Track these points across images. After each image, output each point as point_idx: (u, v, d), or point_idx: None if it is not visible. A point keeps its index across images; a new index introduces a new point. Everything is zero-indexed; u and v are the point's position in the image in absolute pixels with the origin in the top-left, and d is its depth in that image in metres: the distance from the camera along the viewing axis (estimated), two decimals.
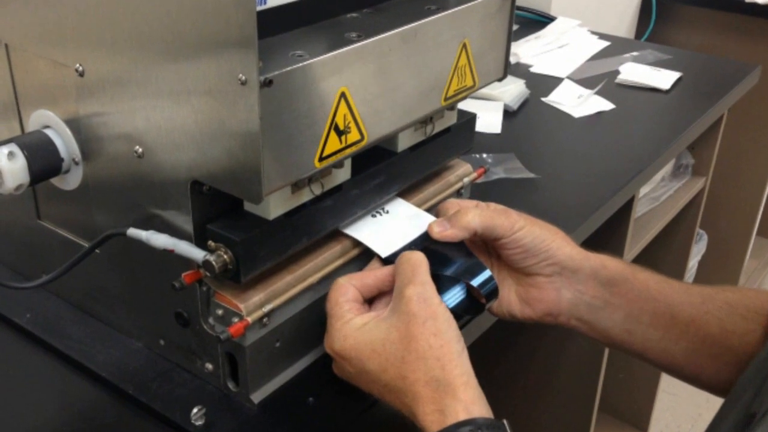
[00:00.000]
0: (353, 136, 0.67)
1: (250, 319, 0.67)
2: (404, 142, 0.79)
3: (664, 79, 1.48)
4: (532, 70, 1.55)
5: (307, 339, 0.76)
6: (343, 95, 0.64)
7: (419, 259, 0.66)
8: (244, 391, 0.71)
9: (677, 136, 1.31)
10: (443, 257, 0.72)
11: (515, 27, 1.81)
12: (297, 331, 0.74)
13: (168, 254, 0.68)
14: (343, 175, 0.72)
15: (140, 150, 0.66)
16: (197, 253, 0.65)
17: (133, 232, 0.68)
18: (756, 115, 2.20)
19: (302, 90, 0.60)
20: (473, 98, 1.35)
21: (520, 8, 1.83)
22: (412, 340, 0.61)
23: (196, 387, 0.74)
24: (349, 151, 0.67)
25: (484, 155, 1.18)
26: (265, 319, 0.69)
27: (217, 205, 0.67)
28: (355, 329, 0.64)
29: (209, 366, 0.73)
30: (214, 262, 0.64)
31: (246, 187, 0.60)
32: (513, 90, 1.39)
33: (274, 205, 0.66)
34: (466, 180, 0.91)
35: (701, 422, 2.17)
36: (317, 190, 0.70)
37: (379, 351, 0.62)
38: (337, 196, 0.72)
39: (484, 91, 1.37)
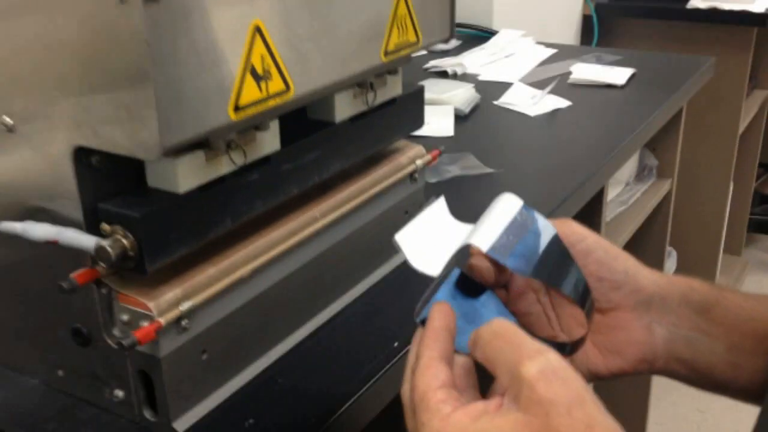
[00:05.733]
0: (276, 84, 0.55)
1: (162, 321, 0.53)
2: (343, 112, 0.68)
3: (618, 75, 1.41)
4: (480, 78, 1.46)
5: (244, 349, 0.62)
6: (258, 30, 0.52)
7: (504, 324, 0.46)
8: (165, 419, 0.57)
9: (639, 125, 1.22)
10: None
11: (457, 42, 1.76)
12: (229, 339, 0.60)
13: (57, 259, 0.54)
14: (270, 143, 0.60)
15: (9, 121, 0.53)
16: (87, 241, 0.52)
17: (5, 225, 0.54)
18: (715, 125, 2.15)
19: (202, 15, 0.48)
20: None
21: (461, 25, 1.77)
22: None
23: (104, 423, 0.59)
24: (272, 103, 0.55)
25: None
26: (184, 322, 0.55)
27: (112, 183, 0.54)
28: (460, 429, 0.43)
29: (119, 393, 0.58)
30: (109, 248, 0.51)
31: (139, 139, 0.47)
32: (462, 94, 1.29)
33: (184, 176, 0.53)
34: (419, 162, 0.79)
35: None
36: (239, 160, 0.57)
37: None
38: (265, 170, 0.60)
39: (432, 96, 1.28)
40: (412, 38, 0.69)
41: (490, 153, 1.12)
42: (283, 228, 0.63)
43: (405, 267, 0.78)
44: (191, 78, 0.48)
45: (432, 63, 1.52)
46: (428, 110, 1.27)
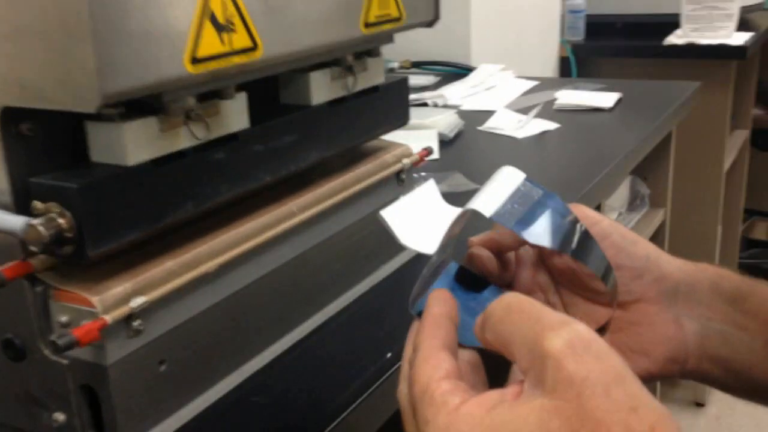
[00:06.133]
0: (241, 39, 0.47)
1: (108, 318, 0.44)
2: (320, 95, 0.60)
3: (605, 99, 1.36)
4: (462, 108, 1.41)
5: (211, 362, 0.52)
6: None
7: (517, 297, 0.39)
8: None
9: (630, 145, 1.16)
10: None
11: (436, 79, 1.71)
12: (193, 348, 0.50)
13: None
14: (238, 119, 0.52)
15: None
16: (14, 222, 0.43)
17: None
18: (701, 161, 2.11)
19: None
20: (405, 128, 1.19)
21: (439, 63, 1.73)
22: (599, 428, 0.32)
23: None
24: (236, 60, 0.47)
25: (423, 174, 1.00)
26: (136, 323, 0.46)
27: (48, 158, 0.45)
28: (473, 423, 0.35)
29: (59, 417, 0.48)
30: (41, 228, 0.42)
31: (74, 86, 0.39)
32: (446, 119, 1.23)
33: (134, 145, 0.45)
34: (407, 161, 0.72)
35: None
36: (200, 134, 0.49)
37: None
38: (231, 148, 0.52)
39: (415, 121, 1.21)
40: (394, 12, 0.62)
41: (477, 174, 1.05)
42: (255, 221, 0.55)
43: (396, 276, 0.71)
44: (138, 12, 0.40)
45: (412, 96, 1.46)
46: (411, 135, 1.21)
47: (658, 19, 2.13)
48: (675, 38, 2.04)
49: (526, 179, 0.46)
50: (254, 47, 0.48)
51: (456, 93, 1.47)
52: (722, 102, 2.04)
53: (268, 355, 0.56)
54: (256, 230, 0.54)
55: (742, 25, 2.05)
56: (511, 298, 0.38)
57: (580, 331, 0.34)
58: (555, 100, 1.39)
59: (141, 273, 0.47)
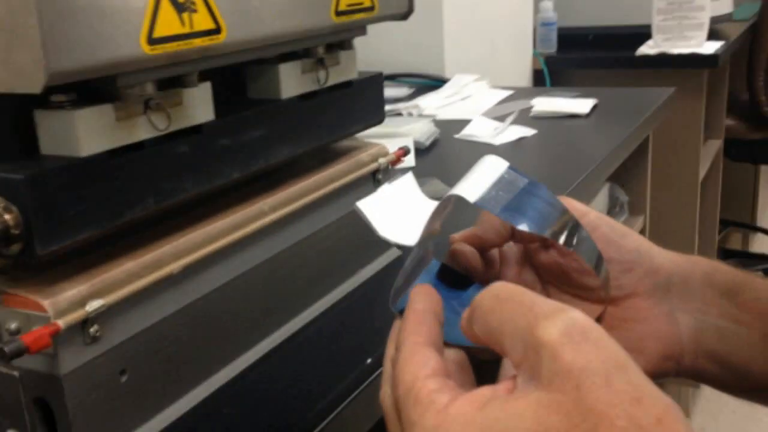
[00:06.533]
0: (203, 20, 0.44)
1: (61, 323, 0.40)
2: (290, 88, 0.57)
3: (581, 105, 1.35)
4: (438, 118, 1.39)
5: (178, 371, 0.48)
6: None
7: (507, 286, 0.35)
8: None
9: (608, 149, 1.15)
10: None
11: (410, 90, 1.69)
12: (158, 357, 0.47)
13: None
14: (202, 110, 0.49)
15: None
16: None
17: None
18: (676, 172, 2.10)
19: None
20: (379, 137, 1.17)
21: (413, 75, 1.71)
22: (601, 422, 0.29)
23: None
24: (198, 43, 0.44)
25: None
26: (93, 329, 0.42)
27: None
28: (464, 423, 0.32)
29: None
30: None
31: (17, 65, 0.36)
32: (421, 127, 1.21)
33: (87, 134, 0.42)
34: (383, 161, 0.69)
35: None
36: (161, 124, 0.46)
37: None
38: (195, 141, 0.48)
39: (390, 130, 1.19)
40: (367, 2, 0.59)
41: (455, 180, 1.02)
42: (223, 220, 0.51)
43: (374, 281, 0.67)
44: None
45: (386, 107, 1.44)
46: (386, 143, 1.18)
47: (629, 31, 2.14)
48: (647, 48, 2.05)
49: (510, 167, 0.43)
50: (217, 30, 0.45)
51: (431, 103, 1.45)
52: (696, 111, 2.04)
53: (240, 364, 0.53)
54: (224, 230, 0.51)
55: (711, 35, 2.06)
56: (499, 286, 0.35)
57: (577, 318, 0.31)
58: (531, 107, 1.37)
59: (98, 274, 0.43)
